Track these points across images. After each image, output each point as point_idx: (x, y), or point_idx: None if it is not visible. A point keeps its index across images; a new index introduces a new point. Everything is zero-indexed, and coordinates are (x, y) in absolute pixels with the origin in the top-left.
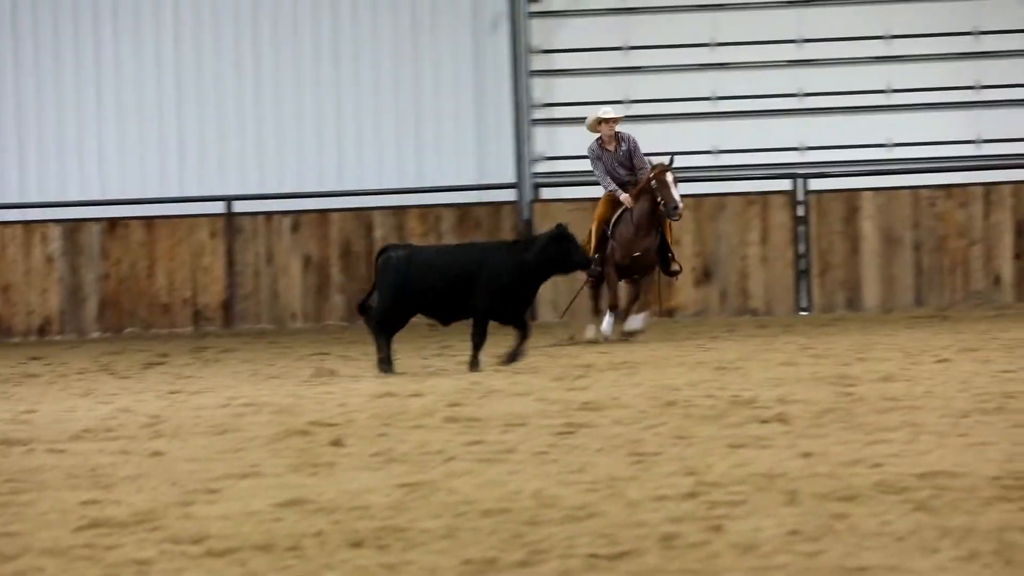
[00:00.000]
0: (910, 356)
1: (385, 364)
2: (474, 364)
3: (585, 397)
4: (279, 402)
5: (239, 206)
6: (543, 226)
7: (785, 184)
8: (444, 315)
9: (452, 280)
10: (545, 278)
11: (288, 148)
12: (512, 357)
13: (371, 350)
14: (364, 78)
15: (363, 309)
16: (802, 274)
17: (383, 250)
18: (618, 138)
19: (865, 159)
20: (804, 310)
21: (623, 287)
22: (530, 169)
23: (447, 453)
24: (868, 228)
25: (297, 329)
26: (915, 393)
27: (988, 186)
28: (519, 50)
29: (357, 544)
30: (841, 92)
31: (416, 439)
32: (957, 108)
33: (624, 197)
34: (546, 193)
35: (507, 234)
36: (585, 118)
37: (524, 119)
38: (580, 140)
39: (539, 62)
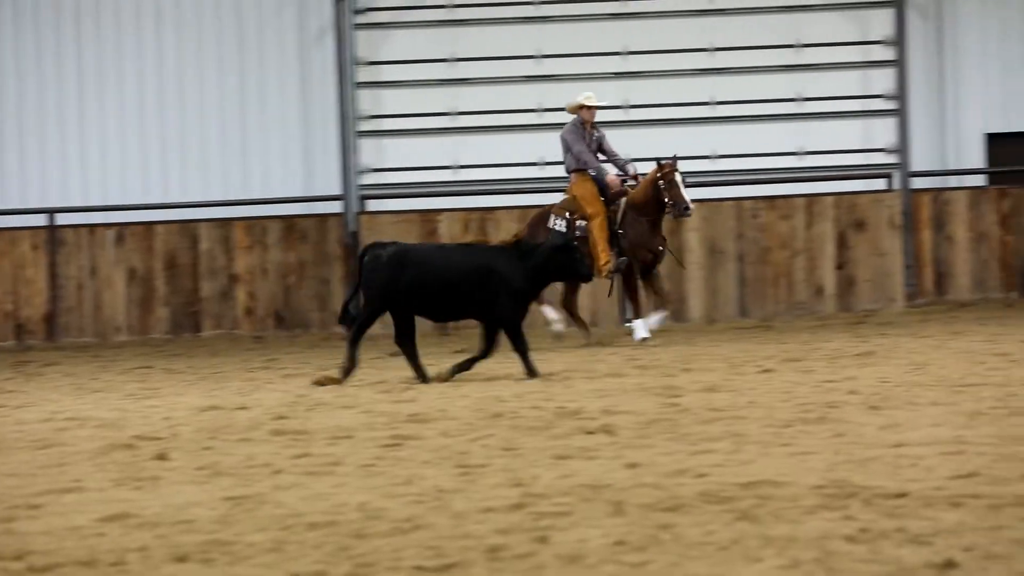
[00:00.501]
0: (734, 367)
1: (350, 368)
2: (530, 372)
3: (412, 409)
4: (103, 416)
5: (62, 218)
6: (369, 238)
7: None
8: (441, 314)
9: (453, 280)
10: (544, 286)
11: (112, 160)
12: (462, 368)
13: (198, 363)
14: (189, 89)
15: (345, 316)
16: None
17: (369, 248)
18: (593, 125)
19: (689, 171)
20: (629, 321)
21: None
22: (356, 181)
23: (273, 466)
24: (692, 240)
25: (121, 342)
26: (739, 403)
27: (810, 197)
28: (345, 61)
29: (181, 559)
30: (665, 104)
31: (242, 452)
32: (780, 120)
33: (611, 179)
34: (373, 205)
35: (333, 247)
36: (409, 128)
37: (350, 131)
38: (408, 151)
39: (366, 74)
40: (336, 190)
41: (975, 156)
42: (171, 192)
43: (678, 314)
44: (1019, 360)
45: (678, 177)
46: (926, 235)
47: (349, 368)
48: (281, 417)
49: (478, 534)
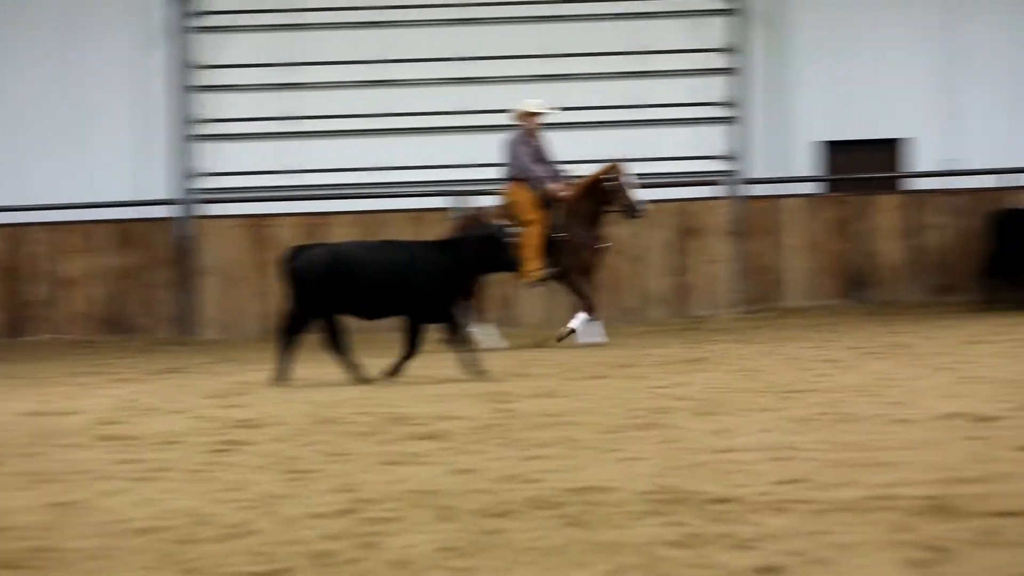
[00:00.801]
0: (567, 372)
1: (284, 374)
2: (474, 372)
3: (243, 415)
4: None
5: None
6: (204, 243)
7: (447, 201)
8: (371, 313)
9: (382, 277)
10: (473, 279)
11: None
12: (395, 370)
13: (25, 368)
14: (21, 90)
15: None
16: None
17: (296, 251)
18: (536, 133)
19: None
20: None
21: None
22: (191, 185)
23: (100, 472)
24: None
25: None
26: (571, 409)
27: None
28: (180, 65)
29: (5, 565)
30: (499, 111)
31: (68, 458)
32: (618, 126)
33: (552, 188)
34: (212, 209)
35: (165, 251)
36: (246, 132)
37: (184, 134)
38: (246, 155)
39: (204, 77)
40: (170, 194)
41: (810, 164)
42: (3, 195)
43: (513, 320)
44: (848, 366)
45: (627, 178)
46: (759, 242)
47: (285, 371)
48: (109, 422)
49: (307, 539)
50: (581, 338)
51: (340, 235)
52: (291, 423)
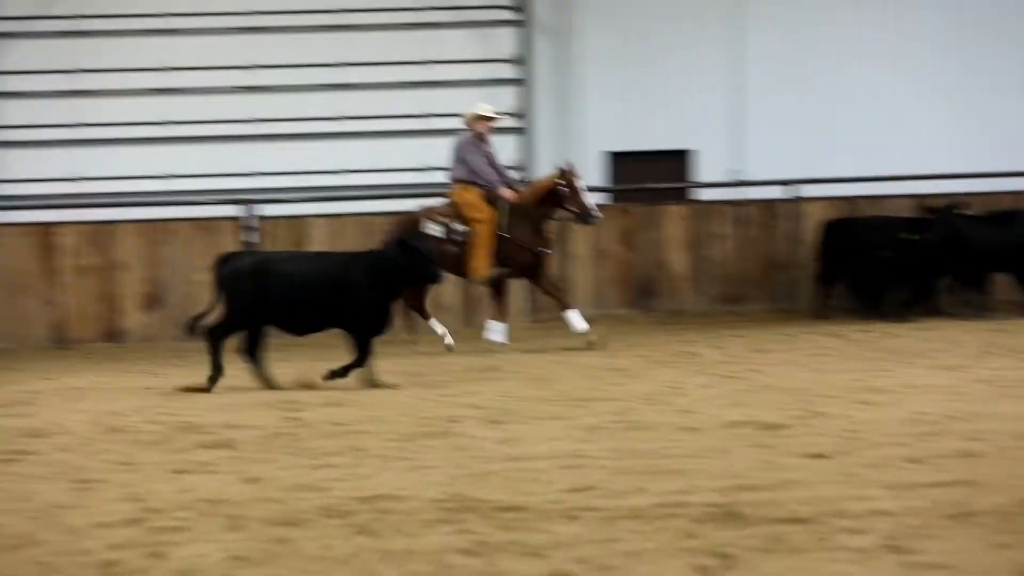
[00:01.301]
0: (356, 381)
1: (216, 376)
2: (340, 375)
3: (28, 424)
4: None
5: None
6: None
7: (235, 210)
8: (301, 327)
9: (314, 290)
10: (398, 291)
11: None
12: (338, 374)
13: None
14: None
15: (193, 327)
16: None
17: (227, 258)
18: (486, 137)
19: (316, 185)
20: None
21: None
22: None
23: None
24: None
25: None
26: (361, 418)
27: None
28: None
29: None
30: (292, 119)
31: None
32: (407, 136)
33: (504, 193)
34: None
35: None
36: (32, 140)
37: None
38: (33, 163)
39: None
40: None
41: (596, 174)
42: None
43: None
44: (637, 375)
45: (580, 183)
46: None
47: (216, 376)
48: None
49: (93, 550)
50: (489, 335)
51: (126, 244)
52: (77, 432)
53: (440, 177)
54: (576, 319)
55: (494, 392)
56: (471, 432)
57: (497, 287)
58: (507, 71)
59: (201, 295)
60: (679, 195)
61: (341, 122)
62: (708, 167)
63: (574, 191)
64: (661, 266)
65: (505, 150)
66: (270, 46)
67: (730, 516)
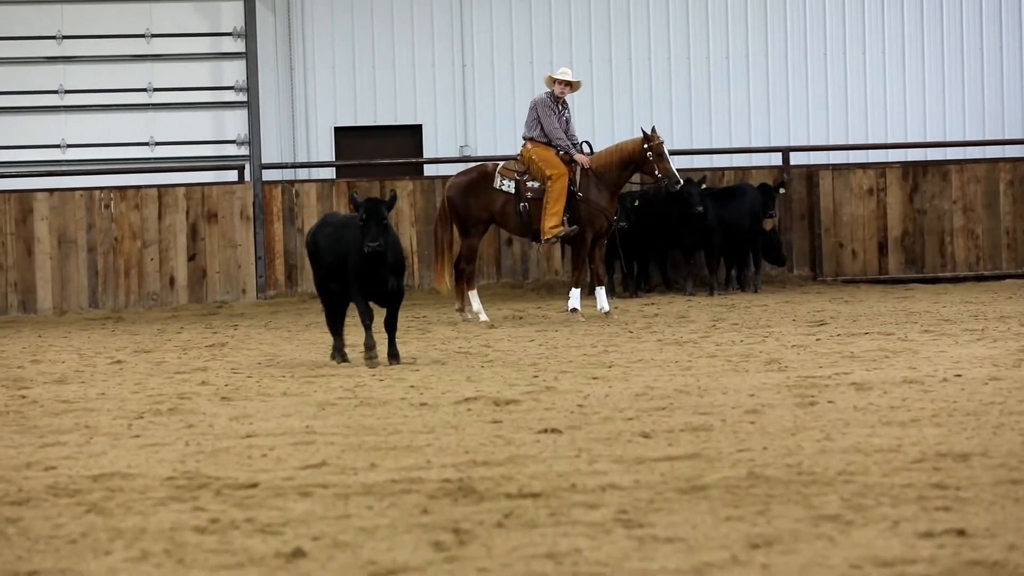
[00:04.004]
0: (85, 358)
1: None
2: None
3: None
4: None
5: None
6: None
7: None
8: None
9: (341, 256)
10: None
11: None
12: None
13: None
14: None
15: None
16: None
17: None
18: (564, 103)
19: (39, 159)
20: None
21: None
22: None
23: None
24: (42, 229)
25: None
26: (89, 395)
27: (162, 188)
28: None
29: None
30: (13, 92)
31: None
32: (131, 110)
33: (580, 158)
34: None
35: None
36: None
37: None
38: None
39: None
40: None
41: (325, 149)
42: None
43: (26, 304)
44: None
45: (666, 149)
46: (278, 227)
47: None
48: None
49: None
50: (571, 303)
51: None
52: None
53: (163, 152)
54: (603, 297)
55: (223, 368)
56: (202, 409)
57: (576, 249)
58: (231, 44)
59: None
60: (409, 170)
61: (63, 95)
62: (439, 142)
63: (660, 157)
64: None
65: (237, 125)
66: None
67: (464, 491)
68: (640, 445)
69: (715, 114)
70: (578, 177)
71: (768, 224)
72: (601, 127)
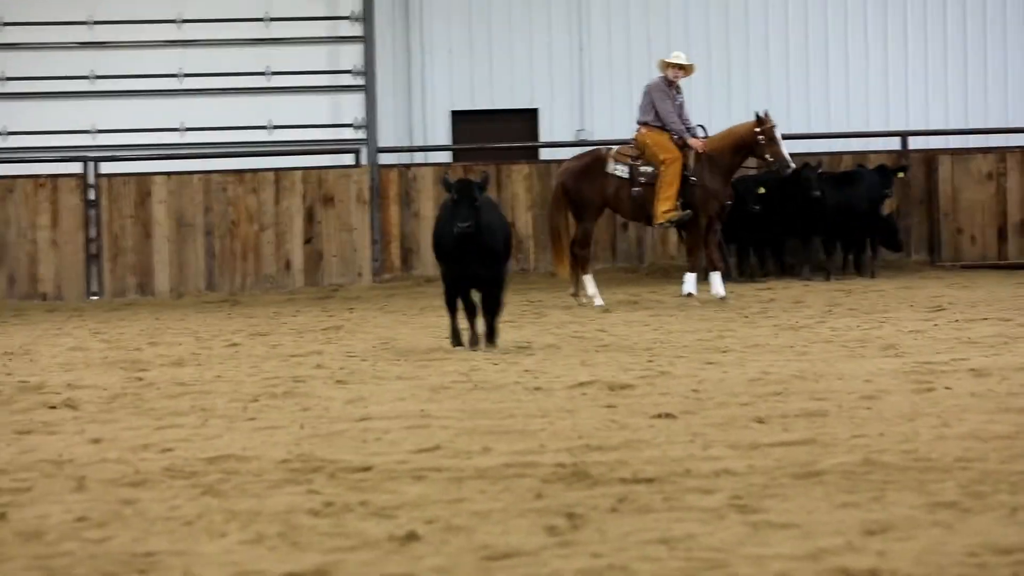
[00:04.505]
0: (201, 341)
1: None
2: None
3: None
4: None
5: None
6: None
7: (76, 167)
8: None
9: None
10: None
11: None
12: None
13: None
14: None
15: None
16: (93, 258)
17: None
18: (678, 87)
19: (157, 143)
20: (95, 295)
21: None
22: None
23: None
24: (160, 212)
25: None
26: (205, 378)
27: (279, 171)
28: None
29: None
30: (133, 75)
31: None
32: (248, 93)
33: (694, 142)
34: None
35: None
36: None
37: None
38: None
39: None
40: None
41: (442, 133)
42: None
43: (145, 287)
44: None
45: (778, 133)
46: (393, 211)
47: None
48: None
49: None
50: (684, 289)
51: None
52: None
53: (280, 136)
54: (719, 282)
55: (338, 352)
56: (317, 392)
57: (691, 233)
58: (348, 28)
59: (41, 254)
60: (525, 155)
61: (182, 79)
62: (554, 126)
63: (771, 140)
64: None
65: (352, 109)
66: (109, 1)
67: (578, 476)
68: (755, 431)
69: (832, 98)
70: (692, 161)
71: (888, 207)
72: (717, 112)
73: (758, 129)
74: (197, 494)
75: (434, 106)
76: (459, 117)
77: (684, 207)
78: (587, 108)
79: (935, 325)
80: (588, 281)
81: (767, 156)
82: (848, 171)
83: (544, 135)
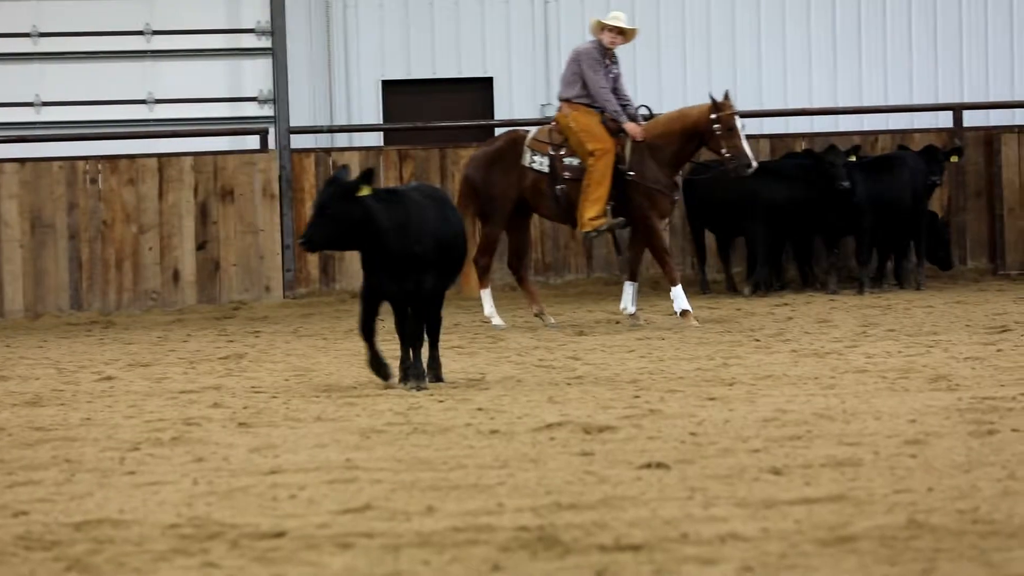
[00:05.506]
0: (65, 374)
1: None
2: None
3: None
4: None
5: None
6: None
7: None
8: None
9: None
10: None
11: None
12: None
13: None
14: None
15: None
16: None
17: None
18: (614, 56)
19: (5, 121)
20: None
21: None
22: None
23: None
24: (10, 210)
25: None
26: (72, 421)
27: (164, 158)
28: None
29: None
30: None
31: None
32: (123, 58)
33: (631, 127)
34: None
35: None
36: None
37: None
38: None
39: None
40: None
41: (371, 109)
42: None
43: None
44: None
45: (739, 123)
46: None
47: None
48: None
49: None
50: (677, 306)
51: None
52: None
53: (164, 112)
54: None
55: (242, 386)
56: (214, 438)
57: (651, 242)
58: None
59: None
60: (477, 134)
61: (36, 39)
62: (515, 99)
63: (730, 131)
64: None
65: (253, 79)
66: None
67: (545, 542)
68: (769, 484)
69: (866, 64)
70: (628, 152)
71: (935, 207)
72: (696, 86)
73: (714, 116)
74: (60, 570)
75: (360, 75)
76: (392, 88)
77: (617, 212)
78: (553, 76)
79: (998, 351)
80: (486, 297)
81: (723, 151)
82: (887, 155)
83: (500, 111)
